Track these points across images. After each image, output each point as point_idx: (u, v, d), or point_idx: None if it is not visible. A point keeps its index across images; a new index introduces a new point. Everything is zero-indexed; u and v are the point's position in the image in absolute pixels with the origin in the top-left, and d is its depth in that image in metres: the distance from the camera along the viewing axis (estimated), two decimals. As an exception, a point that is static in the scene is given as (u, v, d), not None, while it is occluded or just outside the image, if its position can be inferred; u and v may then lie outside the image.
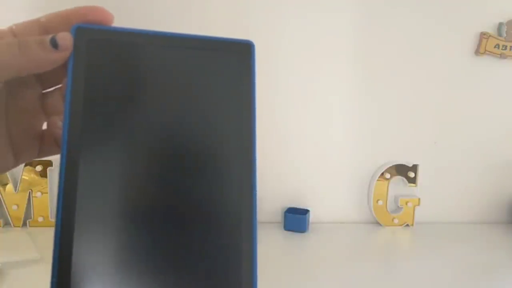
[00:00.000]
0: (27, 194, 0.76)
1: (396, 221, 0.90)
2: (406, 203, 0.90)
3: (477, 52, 0.90)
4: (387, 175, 0.89)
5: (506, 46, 0.89)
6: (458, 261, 0.73)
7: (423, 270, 0.69)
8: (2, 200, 0.76)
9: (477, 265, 0.72)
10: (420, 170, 0.90)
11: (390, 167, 0.89)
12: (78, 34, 0.22)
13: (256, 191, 0.21)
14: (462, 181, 0.94)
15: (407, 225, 0.90)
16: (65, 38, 0.22)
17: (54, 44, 0.21)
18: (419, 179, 0.90)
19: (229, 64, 0.23)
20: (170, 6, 0.81)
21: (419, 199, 0.90)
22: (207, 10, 0.82)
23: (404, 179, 0.90)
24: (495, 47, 0.89)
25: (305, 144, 0.88)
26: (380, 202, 0.89)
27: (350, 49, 0.87)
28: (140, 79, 0.22)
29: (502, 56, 0.90)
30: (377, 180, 0.89)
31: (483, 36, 0.89)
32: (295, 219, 0.84)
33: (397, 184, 0.91)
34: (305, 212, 0.85)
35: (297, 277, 0.64)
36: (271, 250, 0.76)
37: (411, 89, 0.90)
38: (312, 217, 0.88)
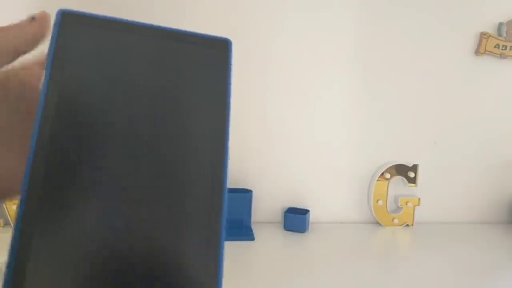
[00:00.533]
0: (27, 194, 0.76)
1: (396, 221, 0.90)
2: (406, 203, 0.90)
3: (477, 52, 0.90)
4: (387, 175, 0.89)
5: (506, 46, 0.90)
6: (458, 261, 0.73)
7: (423, 270, 0.69)
8: (2, 200, 0.76)
9: (477, 265, 0.72)
10: (420, 170, 0.90)
11: (390, 167, 0.89)
12: (63, 19, 0.22)
13: (227, 184, 0.22)
14: (462, 181, 0.94)
15: (407, 225, 0.90)
16: (42, 15, 0.24)
17: (32, 18, 0.23)
18: (419, 179, 0.90)
19: (208, 58, 0.24)
20: (173, 4, 0.81)
21: (419, 199, 0.90)
22: (208, 9, 0.82)
23: (404, 179, 0.90)
24: (495, 47, 0.89)
25: (305, 144, 0.88)
26: (380, 202, 0.89)
27: (351, 49, 0.87)
28: (121, 67, 0.22)
29: (502, 56, 0.90)
30: (377, 180, 0.89)
31: (483, 36, 0.89)
32: (295, 219, 0.84)
33: (397, 184, 0.91)
34: (305, 212, 0.85)
35: (297, 277, 0.64)
36: (271, 250, 0.76)
37: (411, 89, 0.90)
38: (312, 217, 0.88)
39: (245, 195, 0.83)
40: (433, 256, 0.75)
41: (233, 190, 0.84)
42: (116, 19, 0.23)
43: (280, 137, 0.87)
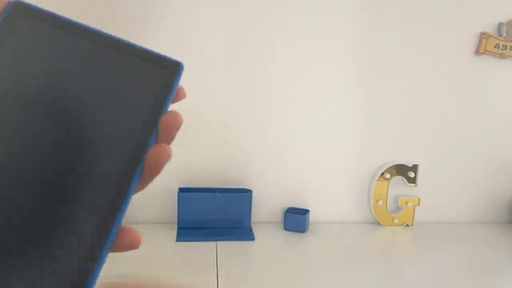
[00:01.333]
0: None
1: (396, 221, 0.90)
2: (406, 203, 0.90)
3: (477, 52, 0.90)
4: (387, 175, 0.89)
5: (506, 46, 0.90)
6: (458, 261, 0.73)
7: (423, 270, 0.69)
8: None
9: (477, 265, 0.72)
10: (420, 170, 0.90)
11: (390, 167, 0.89)
12: (13, 8, 0.22)
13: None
14: (462, 181, 0.94)
15: (407, 225, 0.90)
16: None
17: None
18: (419, 179, 0.90)
19: (152, 76, 0.23)
20: (173, 4, 0.81)
21: (419, 199, 0.90)
22: (209, 10, 0.82)
23: (404, 179, 0.90)
24: (495, 47, 0.89)
25: (305, 144, 0.88)
26: (380, 202, 0.89)
27: (350, 50, 0.87)
28: (52, 65, 0.22)
29: (502, 56, 0.90)
30: (377, 180, 0.89)
31: (483, 36, 0.89)
32: (295, 219, 0.84)
33: (397, 184, 0.91)
34: (305, 212, 0.85)
35: (297, 277, 0.64)
36: (271, 250, 0.76)
37: (411, 89, 0.90)
38: (312, 217, 0.87)
39: (245, 195, 0.83)
40: (433, 256, 0.75)
41: (233, 190, 0.84)
42: (66, 19, 0.23)
43: (280, 137, 0.87)
